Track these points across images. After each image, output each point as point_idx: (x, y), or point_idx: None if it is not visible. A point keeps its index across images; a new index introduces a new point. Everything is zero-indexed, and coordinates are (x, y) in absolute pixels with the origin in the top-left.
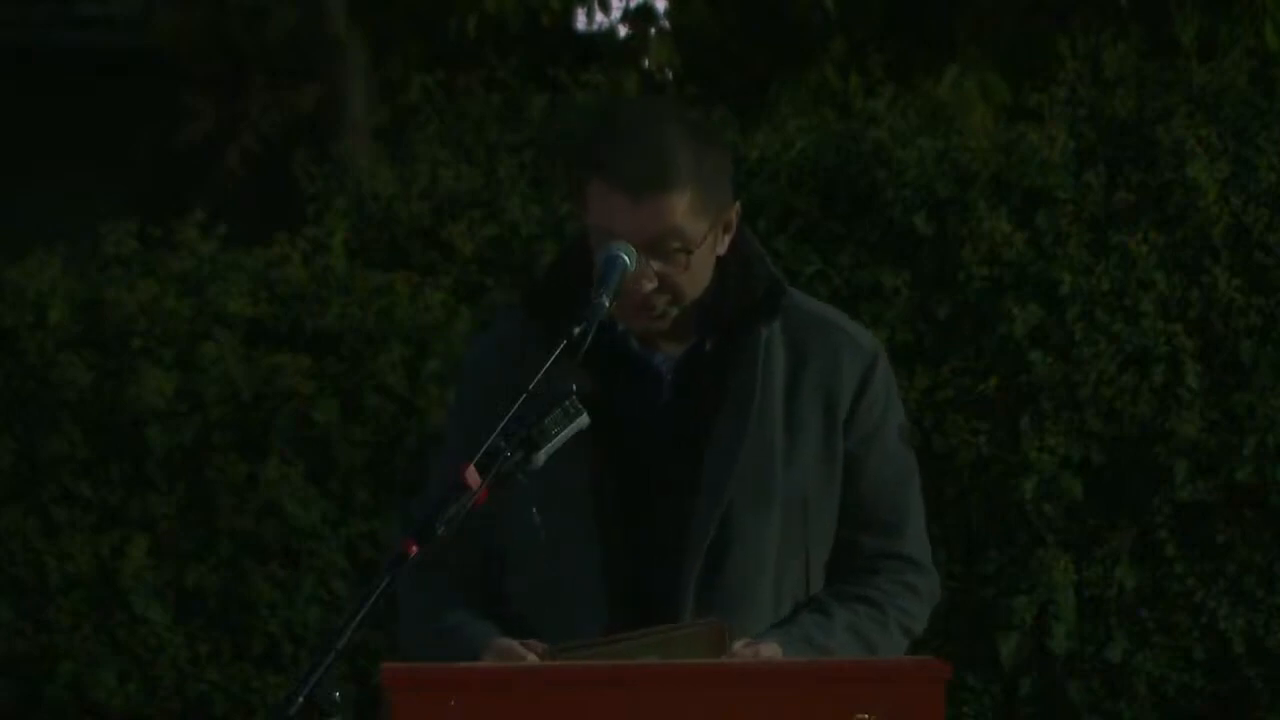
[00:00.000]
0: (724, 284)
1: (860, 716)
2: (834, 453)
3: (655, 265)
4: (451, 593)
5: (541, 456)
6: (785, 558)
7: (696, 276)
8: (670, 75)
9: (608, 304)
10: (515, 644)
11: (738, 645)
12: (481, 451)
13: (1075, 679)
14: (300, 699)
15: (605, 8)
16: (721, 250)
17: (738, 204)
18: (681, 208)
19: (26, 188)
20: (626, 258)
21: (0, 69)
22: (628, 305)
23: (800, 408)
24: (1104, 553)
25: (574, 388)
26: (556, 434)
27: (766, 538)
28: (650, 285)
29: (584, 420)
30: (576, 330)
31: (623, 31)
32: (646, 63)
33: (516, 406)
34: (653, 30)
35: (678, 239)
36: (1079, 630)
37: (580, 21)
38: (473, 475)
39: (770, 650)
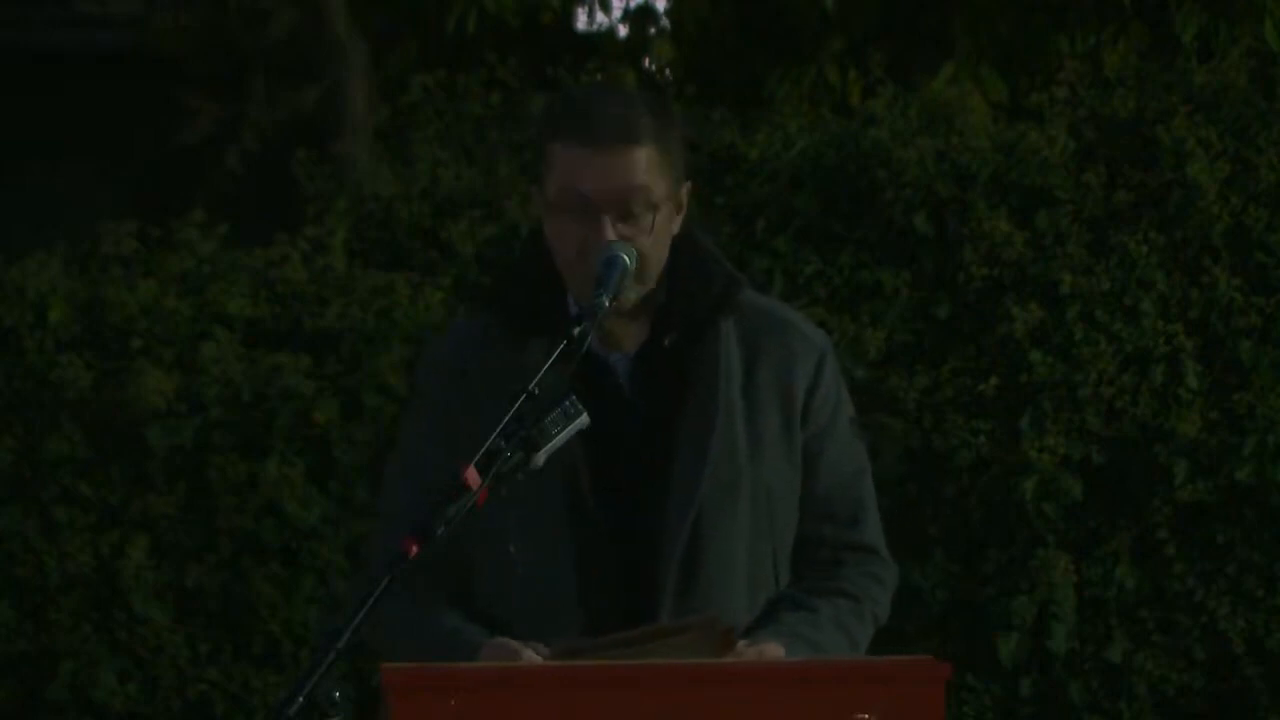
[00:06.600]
0: (679, 281)
1: (860, 716)
2: (793, 447)
3: (621, 228)
4: (435, 594)
5: (541, 457)
6: (755, 551)
7: (658, 246)
8: (670, 75)
9: (608, 303)
10: (514, 643)
11: (740, 644)
12: (483, 451)
13: (1075, 679)
14: (300, 699)
15: (605, 7)
16: (675, 230)
17: (688, 184)
18: (644, 162)
19: (26, 187)
20: (626, 258)
21: (0, 69)
22: (592, 279)
23: (758, 403)
24: (1104, 553)
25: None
26: (556, 434)
27: (737, 531)
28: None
29: (584, 420)
30: (577, 330)
31: (622, 31)
32: (647, 61)
33: (516, 406)
34: (652, 30)
35: (642, 196)
36: (1079, 630)
37: (580, 21)
38: (473, 475)
39: (773, 650)
